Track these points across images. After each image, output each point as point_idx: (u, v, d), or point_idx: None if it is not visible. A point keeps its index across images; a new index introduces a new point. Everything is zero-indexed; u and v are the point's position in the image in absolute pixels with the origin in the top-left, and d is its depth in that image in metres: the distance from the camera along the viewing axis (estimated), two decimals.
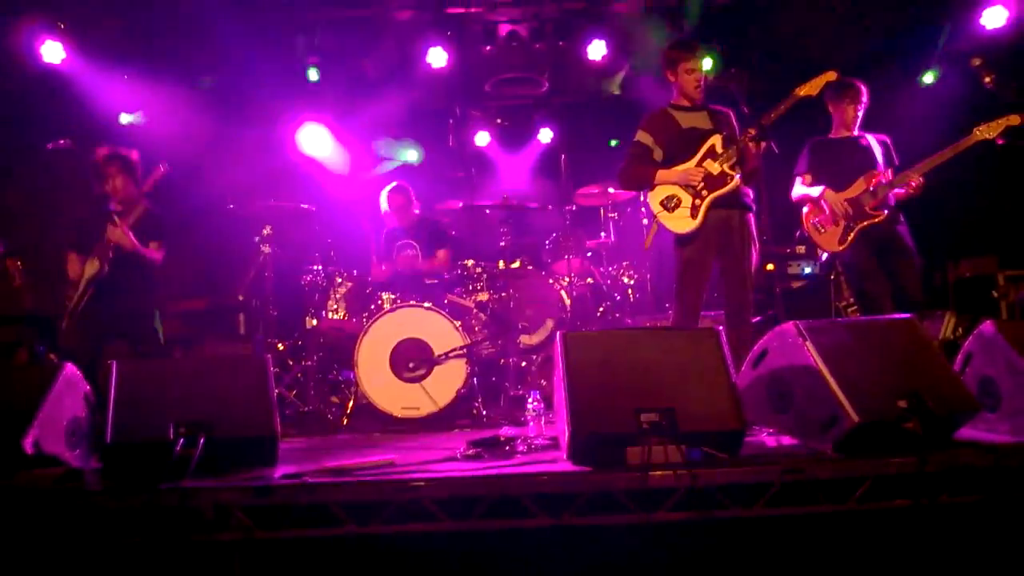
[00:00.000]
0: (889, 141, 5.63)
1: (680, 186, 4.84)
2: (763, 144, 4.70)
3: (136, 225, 5.25)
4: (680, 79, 4.93)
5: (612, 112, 8.57)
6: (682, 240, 4.86)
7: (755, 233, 4.89)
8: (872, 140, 5.59)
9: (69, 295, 5.20)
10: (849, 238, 5.42)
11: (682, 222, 4.83)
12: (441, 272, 6.32)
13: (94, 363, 5.03)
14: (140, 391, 3.45)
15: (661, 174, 4.88)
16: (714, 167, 4.79)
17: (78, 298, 5.14)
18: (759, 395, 3.63)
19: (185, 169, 7.23)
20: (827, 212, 5.46)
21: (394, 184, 6.75)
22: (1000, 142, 5.07)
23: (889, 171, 5.41)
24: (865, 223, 5.36)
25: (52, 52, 6.90)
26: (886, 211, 5.34)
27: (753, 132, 4.70)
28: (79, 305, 5.12)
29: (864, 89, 5.56)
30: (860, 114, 5.56)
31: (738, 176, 4.78)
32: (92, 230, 5.26)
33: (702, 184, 4.79)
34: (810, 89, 4.72)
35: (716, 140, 4.84)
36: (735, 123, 5.00)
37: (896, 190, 5.31)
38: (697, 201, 4.80)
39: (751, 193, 4.94)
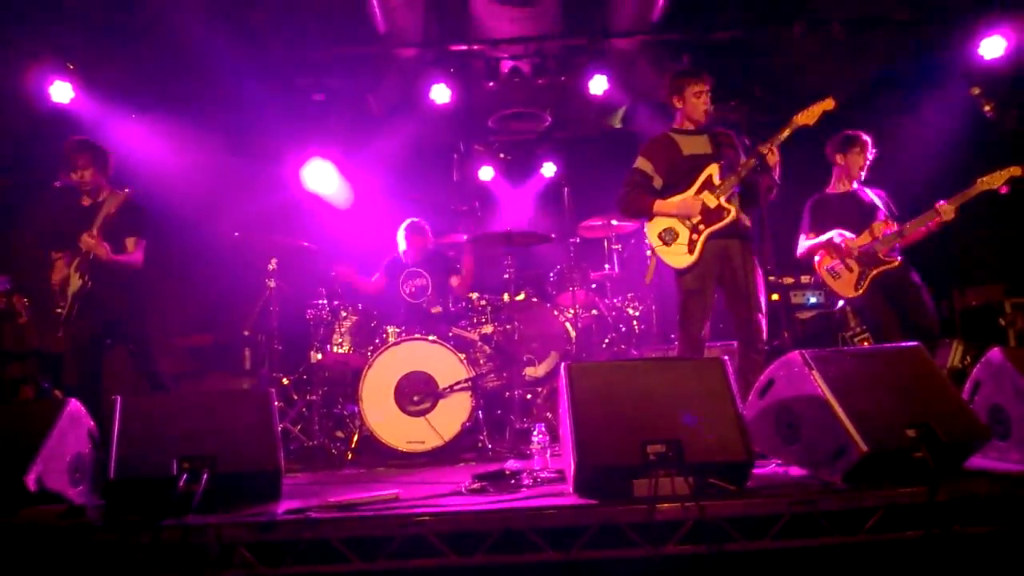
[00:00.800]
0: (886, 195, 5.67)
1: (678, 219, 4.83)
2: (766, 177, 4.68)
3: (111, 221, 5.21)
4: (687, 103, 4.91)
5: (614, 145, 8.61)
6: (681, 270, 4.85)
7: (757, 260, 4.86)
8: (871, 193, 5.63)
9: (59, 304, 5.18)
10: (864, 285, 5.44)
11: (679, 257, 4.81)
12: (465, 295, 6.36)
13: (97, 390, 5.04)
14: (144, 426, 3.45)
15: (659, 205, 4.85)
16: (711, 200, 4.77)
17: (67, 311, 5.14)
18: (767, 425, 3.61)
19: (192, 205, 7.31)
20: (842, 250, 5.47)
21: (412, 220, 6.81)
22: (1003, 191, 5.10)
23: (894, 223, 5.42)
24: (880, 269, 5.38)
25: (61, 92, 6.97)
26: (900, 257, 5.36)
27: (753, 162, 4.69)
28: (70, 316, 5.13)
29: (870, 141, 5.60)
30: (867, 166, 5.61)
31: (735, 210, 4.77)
32: (66, 226, 5.25)
33: (699, 218, 4.78)
34: (807, 118, 4.67)
35: (713, 170, 4.80)
36: (737, 143, 4.99)
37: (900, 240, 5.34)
38: (694, 236, 4.77)
39: (749, 222, 4.93)
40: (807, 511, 3.02)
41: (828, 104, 4.69)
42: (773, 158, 4.65)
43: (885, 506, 3.02)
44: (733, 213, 4.76)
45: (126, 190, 5.32)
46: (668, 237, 4.83)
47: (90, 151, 5.32)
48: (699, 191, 4.80)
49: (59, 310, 5.18)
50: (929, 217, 5.29)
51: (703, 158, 4.87)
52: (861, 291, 5.45)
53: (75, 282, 5.15)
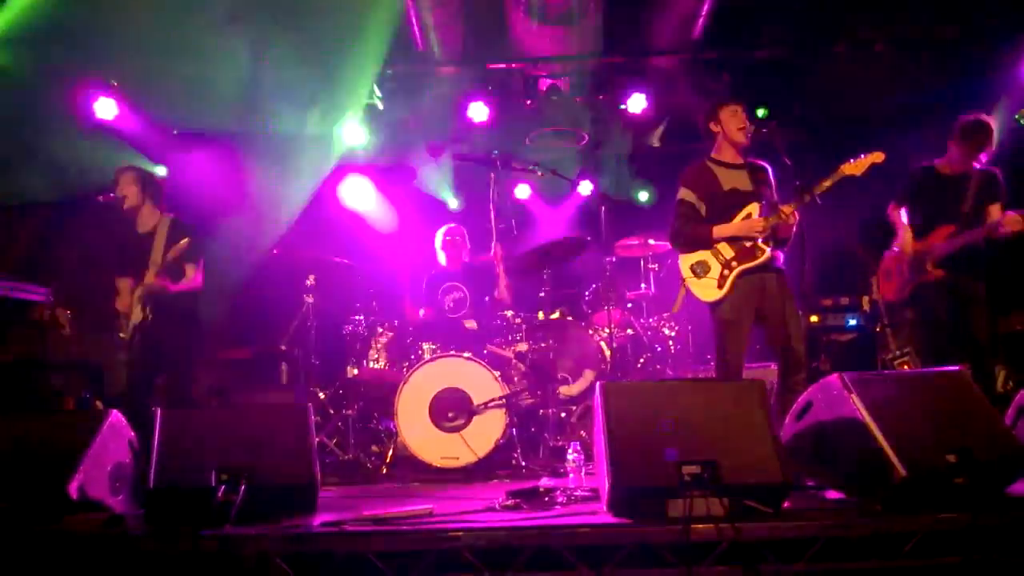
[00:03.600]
0: (997, 172, 5.37)
1: (712, 253, 4.80)
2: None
3: (167, 247, 5.28)
4: (725, 127, 4.84)
5: (652, 164, 8.62)
6: (710, 304, 4.82)
7: (793, 293, 4.79)
8: (976, 176, 5.34)
9: (123, 330, 5.27)
10: (907, 291, 5.40)
11: (709, 291, 4.76)
12: (509, 302, 6.36)
13: (144, 403, 5.12)
14: (184, 437, 3.50)
15: (718, 230, 4.76)
16: (747, 239, 4.75)
17: (130, 339, 5.23)
18: (804, 448, 3.57)
19: (231, 220, 7.42)
20: (898, 254, 5.42)
21: (448, 227, 6.85)
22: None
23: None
24: (921, 279, 5.30)
25: (105, 108, 7.13)
26: (943, 271, 5.25)
27: (794, 207, 4.64)
28: (132, 344, 5.22)
29: (993, 133, 5.36)
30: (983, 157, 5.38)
31: (769, 250, 4.72)
32: (126, 253, 5.37)
33: (733, 254, 4.74)
34: (855, 168, 4.58)
35: (753, 209, 4.75)
36: (773, 180, 4.95)
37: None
38: (726, 271, 4.72)
39: (782, 256, 4.87)
40: (844, 535, 2.99)
41: (878, 157, 4.60)
42: (789, 211, 4.61)
43: (924, 531, 2.98)
44: (768, 254, 4.70)
45: (170, 215, 5.42)
46: (700, 270, 4.79)
47: (134, 171, 5.45)
48: None
49: (122, 335, 5.28)
50: (986, 231, 5.13)
51: (743, 195, 4.80)
52: (903, 297, 5.43)
53: (137, 313, 5.24)
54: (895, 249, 5.57)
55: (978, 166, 5.39)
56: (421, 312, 6.67)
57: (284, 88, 7.26)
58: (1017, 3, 6.84)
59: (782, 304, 4.70)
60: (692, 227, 4.86)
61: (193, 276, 5.36)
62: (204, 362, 7.19)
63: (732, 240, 4.76)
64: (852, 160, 4.62)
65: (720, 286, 4.73)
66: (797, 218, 4.64)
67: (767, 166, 4.97)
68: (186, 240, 5.16)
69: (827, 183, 4.61)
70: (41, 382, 6.46)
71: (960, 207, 5.31)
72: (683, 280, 4.88)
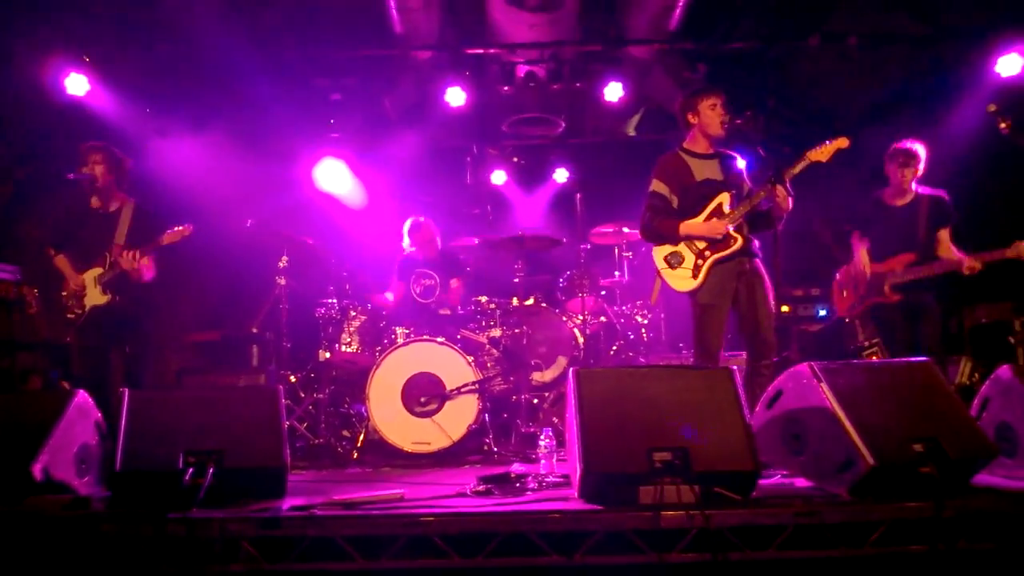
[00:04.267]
0: (944, 197, 5.52)
1: (685, 243, 4.82)
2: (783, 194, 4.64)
3: (132, 234, 5.27)
4: (703, 118, 4.84)
5: (627, 152, 8.62)
6: (686, 294, 4.84)
7: (767, 278, 4.84)
8: (924, 203, 5.50)
9: (73, 309, 5.21)
10: (859, 309, 5.65)
11: (683, 281, 4.79)
12: (455, 303, 6.36)
13: (105, 382, 5.08)
14: (151, 420, 3.47)
15: (685, 227, 4.78)
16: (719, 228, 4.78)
17: (83, 319, 5.17)
18: (773, 436, 3.60)
19: (203, 201, 7.32)
20: (852, 274, 5.61)
21: (414, 219, 6.80)
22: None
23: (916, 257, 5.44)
24: (877, 300, 5.49)
25: (76, 85, 6.99)
26: (901, 296, 5.43)
27: (762, 196, 4.67)
28: (83, 324, 5.17)
29: (918, 152, 5.51)
30: (911, 178, 5.51)
31: (741, 239, 4.74)
32: (78, 229, 5.31)
33: (705, 244, 4.77)
34: (821, 155, 4.62)
35: (724, 199, 4.77)
36: (745, 169, 4.96)
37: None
38: (699, 261, 4.75)
39: (757, 241, 4.90)
40: (812, 523, 3.01)
41: (842, 143, 4.63)
42: (783, 191, 4.60)
43: (890, 520, 3.01)
44: (740, 242, 4.73)
45: (133, 200, 5.38)
46: (674, 261, 4.82)
47: (104, 151, 5.36)
48: (708, 218, 4.78)
49: (71, 315, 5.21)
50: (950, 266, 5.32)
51: (714, 184, 4.83)
52: (855, 315, 5.71)
53: (98, 296, 5.19)
54: (851, 268, 5.75)
55: (925, 191, 5.53)
56: (389, 296, 6.66)
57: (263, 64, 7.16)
58: (986, 2, 6.89)
59: (755, 289, 4.75)
60: (660, 221, 4.88)
61: (149, 265, 5.30)
62: (173, 345, 7.13)
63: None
64: (818, 147, 4.65)
65: (695, 276, 4.76)
66: (790, 199, 4.61)
67: (737, 155, 4.99)
68: (188, 226, 5.24)
69: (794, 170, 4.64)
70: (7, 361, 6.36)
71: (916, 236, 5.47)
72: (658, 272, 4.89)
